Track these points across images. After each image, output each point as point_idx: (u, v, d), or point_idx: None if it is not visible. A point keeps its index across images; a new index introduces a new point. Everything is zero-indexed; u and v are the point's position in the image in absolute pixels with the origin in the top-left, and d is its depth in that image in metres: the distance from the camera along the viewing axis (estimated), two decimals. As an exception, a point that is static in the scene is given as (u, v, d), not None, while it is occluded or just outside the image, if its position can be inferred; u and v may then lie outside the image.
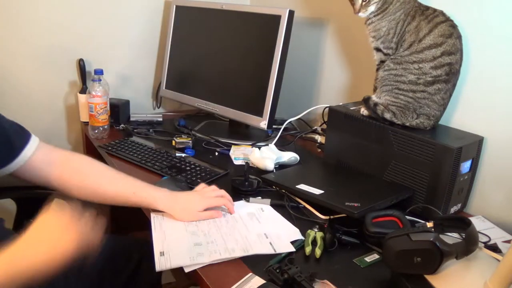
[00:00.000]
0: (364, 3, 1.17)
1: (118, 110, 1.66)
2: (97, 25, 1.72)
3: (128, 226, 1.59)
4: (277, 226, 1.02)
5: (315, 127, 1.62)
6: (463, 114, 1.22)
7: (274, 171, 1.30)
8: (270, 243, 0.94)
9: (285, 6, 1.45)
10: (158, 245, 0.92)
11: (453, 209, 1.12)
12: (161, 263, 0.86)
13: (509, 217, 1.11)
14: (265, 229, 1.00)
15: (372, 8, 1.18)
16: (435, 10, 1.15)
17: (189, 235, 0.96)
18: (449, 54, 1.11)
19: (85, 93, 1.65)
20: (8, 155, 0.96)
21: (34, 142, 1.01)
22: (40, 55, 1.64)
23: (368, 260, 0.92)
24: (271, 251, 0.91)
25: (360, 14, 1.20)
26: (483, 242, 0.99)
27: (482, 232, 1.03)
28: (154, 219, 1.02)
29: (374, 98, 1.23)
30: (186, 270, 0.86)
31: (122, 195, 1.02)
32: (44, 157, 1.01)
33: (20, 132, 1.00)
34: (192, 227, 0.99)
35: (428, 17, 1.14)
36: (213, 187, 1.09)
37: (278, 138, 1.52)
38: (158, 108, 1.97)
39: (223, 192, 1.07)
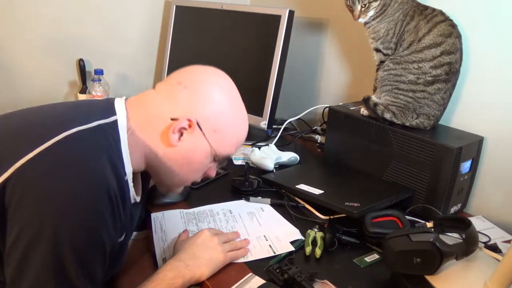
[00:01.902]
0: (363, 9, 1.17)
1: (118, 110, 1.66)
2: (97, 25, 1.72)
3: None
4: (277, 227, 1.02)
5: (315, 127, 1.61)
6: (463, 114, 1.22)
7: (274, 171, 1.30)
8: (270, 245, 0.94)
9: (285, 6, 1.45)
10: (160, 251, 0.92)
11: (453, 209, 1.12)
12: None
13: (509, 217, 1.11)
14: (264, 230, 1.00)
15: (371, 12, 1.18)
16: (434, 9, 1.15)
17: (189, 235, 0.96)
18: (449, 54, 1.11)
19: (85, 93, 1.65)
20: None
21: (138, 235, 1.08)
22: (40, 55, 1.64)
23: (368, 260, 0.92)
24: (270, 254, 0.91)
25: (360, 20, 1.20)
26: (483, 242, 0.99)
27: (482, 232, 1.03)
28: (155, 220, 1.02)
29: (374, 98, 1.23)
30: None
31: None
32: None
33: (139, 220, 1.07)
34: (192, 226, 0.99)
35: (427, 16, 1.14)
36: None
37: (278, 138, 1.52)
38: (158, 108, 1.96)
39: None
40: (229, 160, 0.92)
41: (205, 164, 0.85)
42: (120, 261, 0.90)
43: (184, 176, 0.86)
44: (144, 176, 0.91)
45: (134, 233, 1.03)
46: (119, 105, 0.82)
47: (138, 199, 0.87)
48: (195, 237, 0.90)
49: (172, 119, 0.79)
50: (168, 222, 1.01)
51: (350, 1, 1.19)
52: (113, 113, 0.80)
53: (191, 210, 1.07)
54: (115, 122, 0.79)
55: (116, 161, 0.75)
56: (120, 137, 0.78)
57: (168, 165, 0.83)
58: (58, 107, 0.83)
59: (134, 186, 0.83)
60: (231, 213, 1.07)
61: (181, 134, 0.80)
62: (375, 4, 1.16)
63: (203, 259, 0.85)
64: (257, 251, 0.92)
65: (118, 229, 0.76)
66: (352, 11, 1.20)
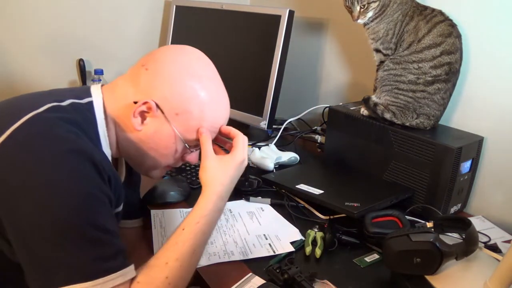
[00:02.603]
0: (362, 10, 1.17)
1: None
2: (97, 25, 1.72)
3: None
4: (277, 226, 1.02)
5: (315, 127, 1.61)
6: (463, 114, 1.22)
7: (274, 171, 1.30)
8: (270, 244, 0.94)
9: (285, 6, 1.45)
10: (158, 244, 0.92)
11: (453, 209, 1.12)
12: None
13: (509, 217, 1.11)
14: (264, 230, 1.00)
15: (370, 13, 1.18)
16: (433, 9, 1.15)
17: None
18: (449, 54, 1.11)
19: (85, 93, 1.65)
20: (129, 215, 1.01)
21: (137, 223, 1.05)
22: (40, 55, 1.64)
23: (368, 260, 0.92)
24: (270, 253, 0.91)
25: (359, 21, 1.20)
26: (483, 242, 0.99)
27: (482, 232, 1.03)
28: (154, 216, 1.02)
29: (374, 98, 1.23)
30: None
31: None
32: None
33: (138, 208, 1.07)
34: None
35: (427, 17, 1.14)
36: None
37: (278, 138, 1.52)
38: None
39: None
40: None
41: (173, 149, 0.82)
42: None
43: (154, 161, 0.83)
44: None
45: (129, 221, 1.03)
46: (95, 89, 0.81)
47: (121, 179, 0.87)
48: (228, 171, 0.82)
49: (134, 103, 0.78)
50: (168, 220, 1.01)
51: (349, 2, 1.19)
52: (88, 95, 0.79)
53: (190, 210, 1.07)
54: (90, 103, 0.78)
55: (93, 139, 0.74)
56: (96, 118, 0.77)
57: (136, 149, 0.82)
58: (33, 93, 0.82)
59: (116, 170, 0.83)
60: (231, 212, 1.07)
61: (145, 118, 0.78)
62: (374, 5, 1.16)
63: (233, 178, 0.83)
64: (257, 250, 0.92)
65: (111, 191, 0.74)
66: (351, 12, 1.20)
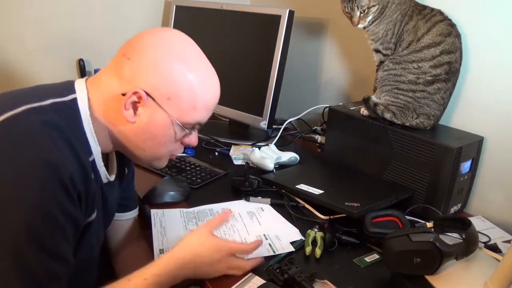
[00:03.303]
0: (362, 15, 1.17)
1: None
2: (97, 25, 1.72)
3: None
4: (277, 226, 1.02)
5: (315, 127, 1.61)
6: (463, 114, 1.22)
7: (274, 171, 1.30)
8: (270, 244, 0.94)
9: (285, 6, 1.45)
10: (158, 242, 0.92)
11: (453, 209, 1.12)
12: None
13: (509, 217, 1.11)
14: (264, 230, 1.00)
15: (370, 17, 1.18)
16: (432, 9, 1.15)
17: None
18: (448, 53, 1.11)
19: (85, 93, 1.65)
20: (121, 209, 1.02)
21: (134, 213, 1.07)
22: (40, 55, 1.64)
23: (368, 260, 0.92)
24: (270, 253, 0.91)
25: (359, 26, 1.20)
26: (483, 242, 0.99)
27: (482, 232, 1.03)
28: (154, 215, 1.02)
29: (374, 98, 1.23)
30: None
31: None
32: (125, 229, 1.05)
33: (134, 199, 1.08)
34: (192, 226, 1.00)
35: (426, 16, 1.14)
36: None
37: (278, 138, 1.52)
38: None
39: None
40: (202, 125, 0.84)
41: (171, 135, 0.80)
42: (98, 239, 0.88)
43: (153, 151, 0.82)
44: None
45: (125, 213, 1.04)
46: (79, 84, 0.79)
47: (111, 178, 0.86)
48: (205, 249, 0.82)
49: (122, 95, 0.75)
50: (168, 220, 1.01)
51: (349, 8, 1.19)
52: (72, 92, 0.77)
53: (190, 210, 1.07)
54: (74, 100, 0.76)
55: (74, 141, 0.71)
56: (81, 115, 0.75)
57: (133, 142, 0.80)
58: (13, 91, 0.79)
59: (107, 166, 0.82)
60: (230, 212, 1.07)
61: (136, 109, 0.76)
62: (373, 9, 1.16)
63: (204, 273, 0.83)
64: (257, 250, 0.92)
65: (80, 207, 0.72)
66: (350, 17, 1.20)
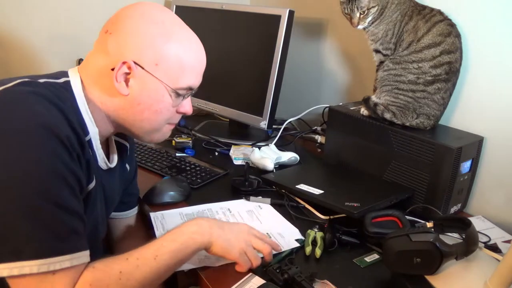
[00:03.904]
0: (362, 16, 1.17)
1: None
2: (97, 24, 1.71)
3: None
4: (277, 224, 1.02)
5: (315, 127, 1.61)
6: (463, 114, 1.22)
7: (274, 171, 1.30)
8: None
9: (285, 6, 1.45)
10: None
11: (453, 209, 1.12)
12: None
13: (509, 217, 1.11)
14: (266, 228, 1.00)
15: (369, 18, 1.18)
16: (432, 9, 1.15)
17: None
18: (449, 53, 1.11)
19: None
20: (120, 207, 1.04)
21: (135, 211, 1.08)
22: (40, 55, 1.64)
23: (368, 260, 0.92)
24: (275, 251, 0.91)
25: (359, 27, 1.20)
26: (483, 242, 0.99)
27: (482, 232, 1.03)
28: (155, 219, 1.02)
29: (374, 98, 1.23)
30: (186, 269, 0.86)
31: None
32: (127, 226, 1.07)
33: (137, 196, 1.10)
34: None
35: (426, 16, 1.14)
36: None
37: (278, 138, 1.52)
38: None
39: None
40: (193, 90, 0.85)
41: (166, 103, 0.81)
42: (102, 217, 0.89)
43: (151, 121, 0.82)
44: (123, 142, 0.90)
45: (127, 212, 1.05)
46: (72, 71, 0.81)
47: (111, 165, 0.87)
48: (233, 222, 0.89)
49: (112, 70, 0.76)
50: (169, 222, 1.01)
51: (348, 9, 1.19)
52: (65, 76, 0.79)
53: (190, 211, 1.07)
54: (67, 82, 0.78)
55: (68, 115, 0.71)
56: (75, 96, 0.77)
57: (130, 117, 0.81)
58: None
59: (106, 152, 0.83)
60: (230, 212, 1.07)
61: (128, 80, 0.78)
62: (373, 10, 1.16)
63: (225, 236, 0.83)
64: None
65: (81, 169, 0.72)
66: (350, 19, 1.20)
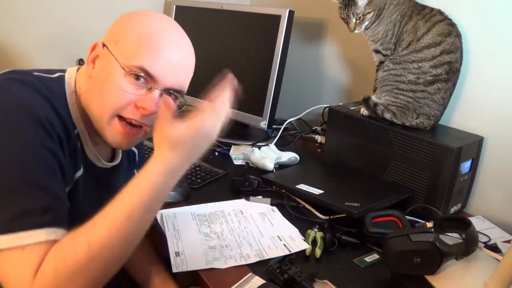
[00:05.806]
0: (358, 21, 1.18)
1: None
2: (97, 24, 1.71)
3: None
4: (289, 228, 1.02)
5: (315, 127, 1.61)
6: (463, 114, 1.22)
7: (274, 171, 1.30)
8: (284, 245, 0.94)
9: (285, 6, 1.45)
10: (173, 245, 0.92)
11: (453, 209, 1.12)
12: (178, 264, 0.86)
13: (509, 217, 1.11)
14: (277, 231, 1.00)
15: (366, 23, 1.18)
16: (432, 9, 1.15)
17: (203, 237, 0.96)
18: (449, 53, 1.11)
19: (85, 93, 1.65)
20: None
21: None
22: (40, 55, 1.64)
23: (368, 260, 0.92)
24: (286, 252, 0.91)
25: (356, 31, 1.20)
26: (483, 242, 0.98)
27: (482, 232, 1.03)
28: (166, 218, 1.01)
29: (374, 98, 1.23)
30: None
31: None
32: None
33: None
34: (205, 228, 0.99)
35: (426, 16, 1.14)
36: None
37: (278, 138, 1.52)
38: (158, 108, 1.96)
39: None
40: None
41: (115, 82, 0.75)
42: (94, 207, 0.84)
43: (99, 105, 0.77)
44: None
45: None
46: (72, 68, 0.83)
47: (109, 165, 0.89)
48: (195, 133, 0.73)
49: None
50: (181, 223, 1.00)
51: (345, 15, 1.20)
52: (62, 72, 0.81)
53: (202, 212, 1.06)
54: (61, 76, 0.80)
55: (59, 106, 0.72)
56: (65, 89, 0.79)
57: (88, 101, 0.79)
58: None
59: (99, 151, 0.85)
60: (242, 214, 1.07)
61: (95, 63, 0.80)
62: (369, 15, 1.17)
63: (189, 158, 0.75)
64: (273, 251, 0.92)
65: (63, 152, 0.71)
66: (347, 23, 1.21)
